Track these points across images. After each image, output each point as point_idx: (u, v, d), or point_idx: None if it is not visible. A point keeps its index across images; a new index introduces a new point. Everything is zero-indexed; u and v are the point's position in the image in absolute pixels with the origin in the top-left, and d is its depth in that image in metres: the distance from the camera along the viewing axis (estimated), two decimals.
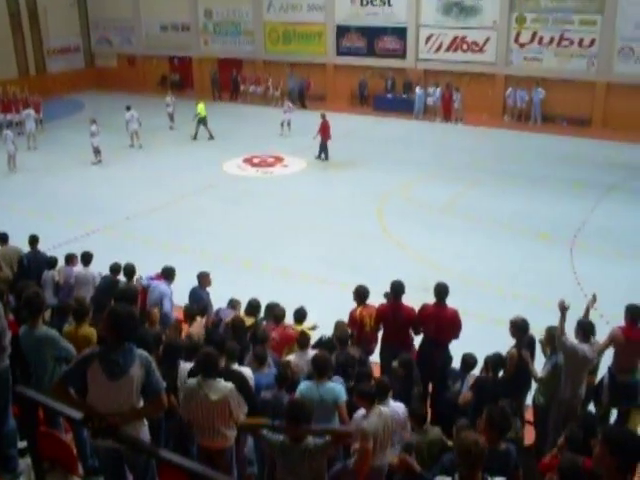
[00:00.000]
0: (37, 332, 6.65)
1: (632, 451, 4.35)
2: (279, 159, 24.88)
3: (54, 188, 21.62)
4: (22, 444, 6.18)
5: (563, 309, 7.86)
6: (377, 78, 33.13)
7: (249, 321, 9.23)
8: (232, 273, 14.62)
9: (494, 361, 8.10)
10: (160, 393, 5.16)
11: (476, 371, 8.45)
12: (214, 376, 6.22)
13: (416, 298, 9.38)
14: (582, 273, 14.85)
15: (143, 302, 10.43)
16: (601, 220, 18.09)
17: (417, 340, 9.35)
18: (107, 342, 5.09)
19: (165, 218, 18.93)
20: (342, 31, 33.62)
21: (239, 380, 6.77)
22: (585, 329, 7.97)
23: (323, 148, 24.37)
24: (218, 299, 10.60)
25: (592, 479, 4.67)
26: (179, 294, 10.75)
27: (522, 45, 29.51)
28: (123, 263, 11.01)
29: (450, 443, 6.95)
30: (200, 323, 9.52)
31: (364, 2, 32.64)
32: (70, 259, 11.74)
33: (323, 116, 24.42)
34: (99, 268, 11.46)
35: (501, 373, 8.14)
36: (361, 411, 6.64)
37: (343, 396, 6.86)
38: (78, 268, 11.49)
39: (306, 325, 9.37)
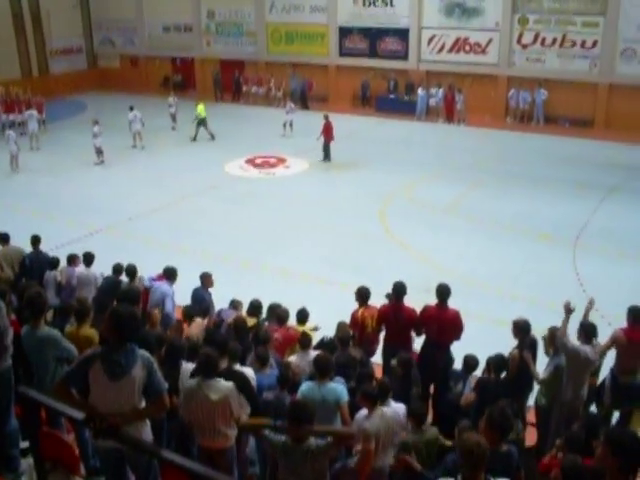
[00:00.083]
0: (39, 332, 6.66)
1: (634, 452, 4.36)
2: (281, 160, 24.89)
3: (56, 188, 21.65)
4: (24, 444, 6.19)
5: (569, 311, 7.87)
6: (379, 79, 33.12)
7: (251, 322, 9.23)
8: (234, 274, 14.62)
9: (496, 362, 8.10)
10: (162, 394, 5.16)
11: (478, 372, 8.45)
12: (214, 376, 6.21)
13: (418, 299, 9.37)
14: (584, 274, 14.83)
15: (144, 303, 10.44)
16: (603, 221, 18.08)
17: (418, 341, 9.35)
18: (109, 343, 5.09)
19: (167, 219, 18.95)
20: (344, 32, 33.62)
21: (241, 381, 6.76)
22: (587, 331, 7.96)
23: (326, 149, 24.36)
24: (220, 300, 10.61)
25: (595, 478, 4.67)
26: (181, 294, 10.76)
27: (524, 46, 29.50)
28: (125, 264, 11.03)
29: (447, 443, 6.96)
30: (199, 324, 9.52)
31: (366, 3, 32.64)
32: (72, 259, 11.75)
33: (326, 117, 24.40)
34: (101, 268, 11.47)
35: (503, 374, 8.14)
36: (363, 411, 6.64)
37: (345, 396, 6.86)
38: (80, 269, 11.51)
39: (308, 326, 9.37)
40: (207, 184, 21.95)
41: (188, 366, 7.12)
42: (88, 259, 11.47)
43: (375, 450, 6.49)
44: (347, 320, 9.33)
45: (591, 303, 8.41)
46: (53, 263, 11.68)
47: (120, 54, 40.73)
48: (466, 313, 9.13)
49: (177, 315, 10.42)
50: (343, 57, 34.03)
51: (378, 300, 9.56)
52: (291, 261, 15.79)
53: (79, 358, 5.41)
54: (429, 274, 13.61)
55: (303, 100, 33.57)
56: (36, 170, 23.63)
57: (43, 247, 12.27)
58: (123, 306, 5.51)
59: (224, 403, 6.14)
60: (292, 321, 9.47)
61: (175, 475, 4.81)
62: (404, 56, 32.34)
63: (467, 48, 30.75)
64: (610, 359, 8.63)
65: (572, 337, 8.04)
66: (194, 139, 27.63)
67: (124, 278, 10.92)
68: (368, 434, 6.40)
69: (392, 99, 32.62)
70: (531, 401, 8.67)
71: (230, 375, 6.59)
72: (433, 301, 8.98)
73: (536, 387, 8.53)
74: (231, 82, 35.98)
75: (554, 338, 8.13)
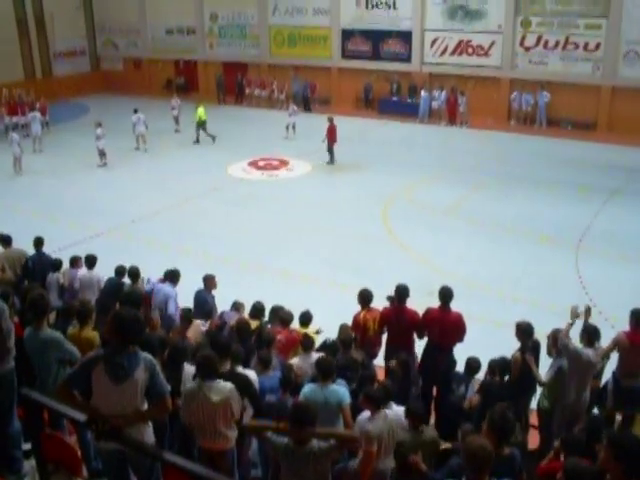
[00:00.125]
0: (42, 334, 6.67)
1: (637, 456, 4.35)
2: (284, 162, 24.91)
3: (59, 191, 21.69)
4: (27, 446, 6.20)
5: (576, 316, 7.89)
6: (382, 81, 33.13)
7: (254, 324, 9.23)
8: (236, 275, 14.62)
9: (501, 365, 8.11)
10: (164, 396, 5.17)
11: (480, 375, 8.45)
12: (214, 377, 6.22)
13: (420, 302, 9.37)
14: (586, 276, 14.82)
15: (145, 307, 10.44)
16: (605, 224, 18.06)
17: (420, 344, 9.35)
18: (112, 345, 5.10)
19: (170, 221, 18.96)
20: (347, 35, 33.65)
21: (244, 383, 6.77)
22: (589, 334, 7.97)
23: (329, 151, 24.36)
24: (222, 301, 10.62)
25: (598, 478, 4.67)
26: (184, 296, 10.77)
27: (527, 49, 29.49)
28: (128, 266, 11.04)
29: (447, 445, 6.94)
30: (197, 327, 9.53)
31: (369, 6, 32.67)
32: (75, 261, 11.75)
33: (330, 120, 24.35)
34: (104, 270, 11.47)
35: (507, 377, 8.14)
36: (366, 413, 6.64)
37: (347, 398, 6.86)
38: (82, 271, 11.49)
39: (311, 329, 9.38)
40: (210, 186, 21.97)
41: (191, 368, 7.12)
42: (90, 261, 11.46)
43: (378, 453, 6.49)
44: (349, 322, 9.34)
45: (588, 311, 8.34)
46: (56, 265, 11.68)
47: (123, 57, 40.83)
48: (468, 315, 9.13)
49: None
50: (346, 59, 34.04)
51: (380, 303, 9.56)
52: (293, 263, 15.80)
53: (82, 360, 5.42)
54: (431, 276, 13.62)
55: (305, 103, 33.59)
56: (39, 172, 23.68)
57: (46, 249, 12.26)
58: (126, 309, 5.52)
59: (225, 404, 6.15)
60: (295, 323, 9.48)
61: (177, 477, 4.81)
62: (407, 58, 32.35)
63: (470, 50, 30.75)
64: (613, 362, 8.62)
65: (575, 340, 8.04)
66: (196, 141, 27.65)
67: (127, 280, 10.93)
68: (370, 436, 6.40)
69: (395, 101, 32.63)
70: (534, 404, 8.66)
71: (233, 377, 6.59)
72: (435, 304, 8.99)
73: (539, 390, 8.52)
74: (234, 85, 36.03)
75: (557, 340, 8.14)
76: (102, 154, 24.40)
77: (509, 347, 8.37)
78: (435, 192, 21.13)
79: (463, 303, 9.40)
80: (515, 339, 8.31)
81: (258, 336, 8.78)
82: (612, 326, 10.01)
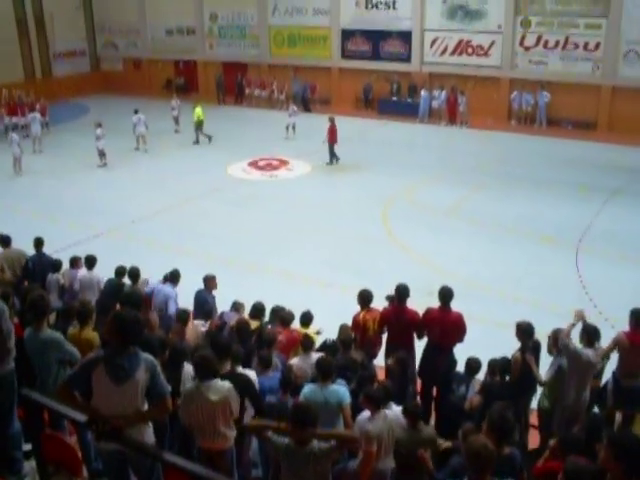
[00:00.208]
0: (42, 335, 6.67)
1: (637, 456, 4.35)
2: (284, 162, 24.91)
3: (59, 191, 21.69)
4: (27, 446, 6.20)
5: (580, 317, 7.91)
6: (382, 81, 33.13)
7: (254, 324, 9.24)
8: (236, 276, 14.61)
9: (502, 365, 8.11)
10: (165, 396, 5.18)
11: (480, 375, 8.45)
12: (211, 377, 6.23)
13: (421, 302, 9.37)
14: (587, 277, 14.82)
15: (145, 308, 10.43)
16: (606, 224, 18.05)
17: (420, 344, 9.34)
18: (112, 346, 5.10)
19: (170, 221, 18.96)
20: (347, 35, 33.66)
21: (244, 383, 6.77)
22: (589, 334, 7.97)
23: (331, 152, 24.36)
24: (222, 302, 10.63)
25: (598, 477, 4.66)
26: (184, 297, 10.78)
27: (527, 49, 29.50)
28: (128, 266, 11.03)
29: (447, 444, 6.93)
30: (194, 328, 9.53)
31: (369, 6, 32.67)
32: (75, 262, 11.75)
33: (332, 120, 24.34)
34: (104, 271, 11.47)
35: (507, 377, 8.14)
36: (365, 413, 6.64)
37: (347, 398, 6.86)
38: (82, 272, 11.49)
39: (312, 329, 9.38)
40: (210, 187, 21.97)
41: (190, 369, 7.12)
42: (90, 262, 11.46)
43: (378, 453, 6.49)
44: (350, 323, 9.34)
45: (578, 316, 8.27)
46: (56, 266, 11.68)
47: (123, 57, 40.85)
48: (469, 316, 9.13)
49: None
50: (346, 59, 34.05)
51: (380, 303, 9.56)
52: (293, 264, 15.79)
53: (82, 361, 5.43)
54: (431, 277, 13.61)
55: (304, 103, 33.56)
56: (39, 172, 23.68)
57: (46, 250, 12.26)
58: (126, 310, 5.53)
59: (224, 403, 6.15)
60: (295, 324, 9.48)
61: (177, 477, 4.81)
62: (407, 58, 32.36)
63: (470, 50, 30.76)
64: (613, 362, 8.62)
65: (575, 340, 8.04)
66: (196, 142, 27.66)
67: (127, 281, 10.93)
68: (370, 436, 6.40)
69: (395, 101, 32.63)
70: (534, 404, 8.66)
71: (233, 378, 6.59)
72: (436, 304, 8.99)
73: (539, 390, 8.52)
74: (234, 85, 36.04)
75: (557, 340, 8.14)
76: (102, 154, 24.42)
77: (509, 347, 8.37)
78: (435, 192, 21.13)
79: (463, 303, 9.39)
80: (515, 339, 8.31)
81: (258, 336, 8.78)
82: (612, 326, 10.01)
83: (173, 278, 10.89)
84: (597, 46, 27.86)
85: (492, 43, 30.14)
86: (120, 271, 11.04)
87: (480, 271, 15.24)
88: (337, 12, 33.41)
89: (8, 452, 6.20)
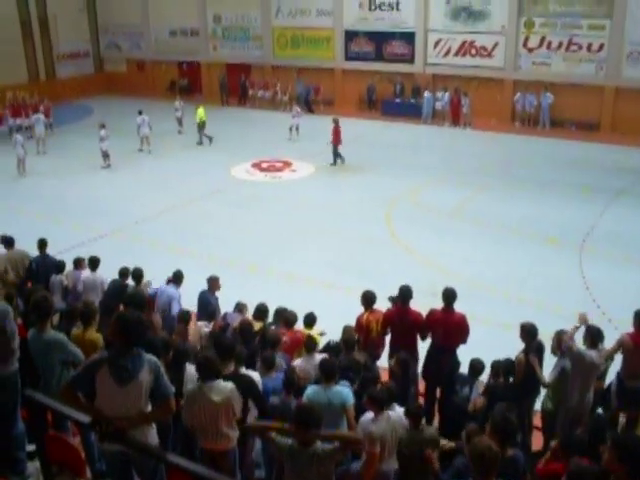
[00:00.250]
0: (45, 336, 6.68)
1: None
2: (287, 164, 24.91)
3: (63, 192, 21.71)
4: (31, 447, 6.21)
5: (584, 321, 7.90)
6: (385, 83, 33.13)
7: (257, 325, 9.24)
8: (240, 278, 14.61)
9: (505, 367, 8.10)
10: (169, 397, 5.19)
11: (483, 376, 8.44)
12: (214, 378, 6.23)
13: (424, 303, 9.37)
14: (591, 278, 14.79)
15: (149, 308, 10.44)
16: (610, 225, 18.02)
17: (424, 345, 9.33)
18: (116, 347, 5.11)
19: (173, 222, 18.97)
20: (350, 36, 33.67)
21: (248, 384, 6.77)
22: (593, 335, 7.95)
23: (335, 153, 24.35)
24: (225, 303, 10.62)
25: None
26: (187, 298, 10.78)
27: (530, 50, 29.48)
28: (131, 267, 11.04)
29: (448, 444, 6.92)
30: (197, 329, 9.53)
31: (372, 7, 32.68)
32: (78, 263, 11.75)
33: (336, 121, 24.32)
34: (107, 272, 11.47)
35: (511, 379, 8.13)
36: (369, 415, 6.63)
37: (351, 400, 6.86)
38: (86, 273, 11.49)
39: (315, 330, 9.38)
40: (213, 188, 21.98)
41: (192, 369, 7.12)
42: (93, 263, 11.45)
43: (381, 454, 6.48)
44: (353, 324, 9.34)
45: (581, 319, 8.27)
46: (59, 267, 11.68)
47: (127, 58, 40.88)
48: (472, 317, 9.12)
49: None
50: (349, 61, 34.06)
51: (384, 304, 9.55)
52: (297, 265, 15.79)
53: (86, 362, 5.43)
54: (435, 278, 13.59)
55: (307, 105, 33.55)
56: (43, 174, 23.71)
57: (49, 251, 12.27)
58: (129, 311, 5.53)
59: (227, 404, 6.15)
60: (299, 325, 9.48)
61: (181, 478, 4.81)
62: (410, 59, 32.36)
63: (473, 51, 30.75)
64: (617, 363, 8.60)
65: (578, 342, 8.02)
66: (200, 143, 27.68)
67: (130, 282, 10.94)
68: (373, 438, 6.39)
69: (398, 103, 32.61)
70: (538, 405, 8.65)
71: (237, 379, 6.59)
72: (439, 305, 8.98)
73: (543, 391, 8.51)
74: (237, 86, 36.05)
75: (561, 341, 8.13)
76: (106, 155, 24.45)
77: (513, 348, 8.36)
78: (438, 193, 21.12)
79: (467, 304, 9.40)
80: (519, 340, 8.30)
81: (262, 337, 8.78)
82: (615, 327, 10.00)
83: (176, 279, 10.90)
84: (600, 47, 27.83)
85: (495, 44, 30.13)
86: (123, 272, 11.05)
87: (484, 272, 15.23)
88: (340, 13, 33.43)
89: (12, 453, 6.21)
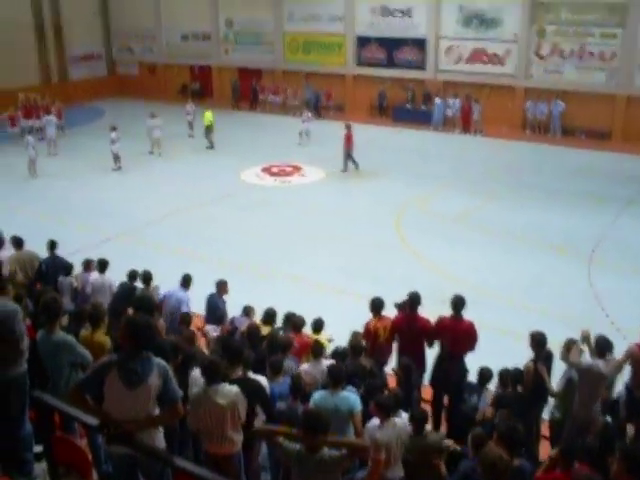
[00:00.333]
0: (54, 337, 6.70)
1: None
2: (297, 168, 24.93)
3: (73, 194, 21.81)
4: (38, 448, 6.22)
5: (585, 338, 7.90)
6: (397, 89, 33.10)
7: (265, 330, 9.24)
8: (249, 282, 14.62)
9: (514, 376, 8.08)
10: (177, 401, 5.20)
11: (491, 384, 8.41)
12: (219, 381, 6.23)
13: (433, 310, 9.35)
14: (599, 288, 14.74)
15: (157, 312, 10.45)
16: (619, 234, 17.95)
17: (431, 352, 9.31)
18: (125, 351, 5.12)
19: (182, 226, 19.01)
20: (362, 42, 33.67)
21: (256, 388, 6.77)
22: (600, 345, 7.92)
23: (347, 158, 24.30)
24: (234, 307, 10.63)
25: None
26: (196, 301, 10.79)
27: (542, 58, 29.41)
28: (140, 270, 11.07)
29: (453, 445, 6.89)
30: (201, 331, 9.53)
31: (384, 13, 32.69)
32: (87, 265, 11.78)
33: (348, 127, 24.29)
34: (116, 274, 11.48)
35: (519, 388, 8.11)
36: (375, 421, 6.62)
37: (358, 406, 6.85)
38: (94, 275, 11.50)
39: (323, 336, 9.38)
40: (223, 192, 22.02)
41: (197, 373, 7.12)
42: (102, 265, 11.47)
43: (387, 461, 6.47)
44: (362, 330, 9.33)
45: (584, 335, 8.25)
46: (68, 269, 11.68)
47: (139, 61, 41.04)
48: (480, 324, 9.10)
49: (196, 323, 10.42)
50: (360, 67, 34.06)
51: (393, 311, 9.53)
52: (307, 270, 15.79)
53: (95, 365, 5.44)
54: (444, 285, 13.57)
55: (316, 110, 33.50)
56: (53, 175, 23.83)
57: (59, 252, 12.29)
58: (139, 315, 5.54)
59: (233, 407, 6.15)
60: (307, 330, 9.48)
61: None
62: (421, 66, 32.33)
63: (485, 59, 30.70)
64: (626, 373, 8.56)
65: (585, 352, 7.99)
66: (210, 147, 27.75)
67: (139, 284, 10.96)
68: (378, 444, 6.38)
69: (409, 109, 32.60)
70: (545, 414, 8.61)
71: (245, 383, 6.59)
72: (448, 312, 8.97)
73: (551, 401, 8.47)
74: (248, 90, 36.11)
75: (570, 350, 8.09)
76: (116, 158, 24.55)
77: (520, 356, 8.34)
78: (448, 200, 21.08)
79: (475, 312, 9.37)
80: (526, 348, 8.28)
81: (270, 342, 8.77)
82: (624, 337, 9.95)
83: (185, 282, 10.92)
84: (612, 56, 27.73)
85: (507, 52, 30.07)
86: (132, 275, 11.07)
87: (492, 280, 15.20)
88: (352, 19, 33.45)
89: (19, 454, 6.22)
